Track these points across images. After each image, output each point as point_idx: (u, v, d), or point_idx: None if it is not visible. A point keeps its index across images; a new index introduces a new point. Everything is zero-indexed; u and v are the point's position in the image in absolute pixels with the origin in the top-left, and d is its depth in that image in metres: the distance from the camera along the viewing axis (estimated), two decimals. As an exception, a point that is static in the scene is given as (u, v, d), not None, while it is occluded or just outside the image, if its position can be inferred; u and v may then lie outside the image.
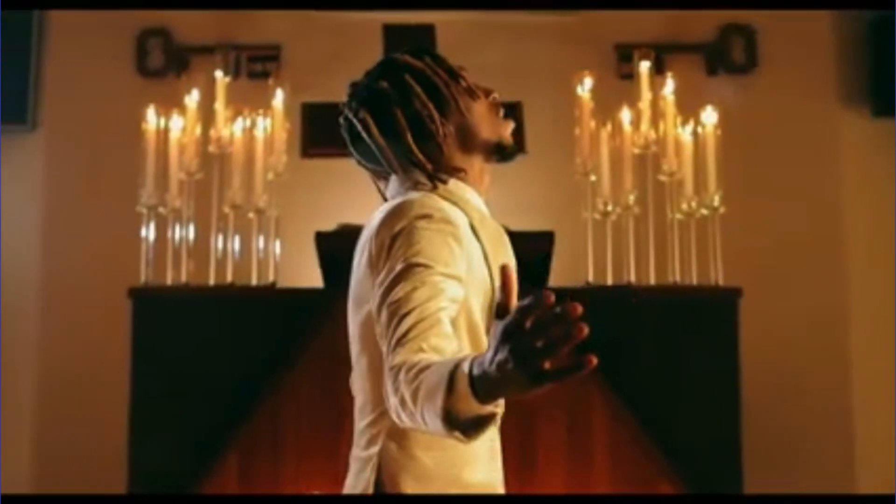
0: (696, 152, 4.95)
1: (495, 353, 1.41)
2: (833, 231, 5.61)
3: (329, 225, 4.50)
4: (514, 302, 1.43)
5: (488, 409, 1.51)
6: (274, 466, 4.18)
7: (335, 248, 4.02)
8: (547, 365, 1.37)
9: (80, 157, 5.67)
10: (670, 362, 4.58)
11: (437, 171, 1.96)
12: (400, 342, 1.66)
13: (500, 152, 2.04)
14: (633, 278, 4.87)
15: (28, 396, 5.50)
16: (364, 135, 1.99)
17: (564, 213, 5.07)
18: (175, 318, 4.71)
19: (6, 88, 5.69)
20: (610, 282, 4.86)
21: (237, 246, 5.00)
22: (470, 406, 1.49)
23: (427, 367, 1.58)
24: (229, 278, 4.93)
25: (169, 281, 4.89)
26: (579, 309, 1.33)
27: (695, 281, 4.87)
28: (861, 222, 5.65)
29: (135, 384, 4.63)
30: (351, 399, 1.97)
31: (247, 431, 4.32)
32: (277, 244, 5.03)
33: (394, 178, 2.00)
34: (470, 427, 1.52)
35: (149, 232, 4.94)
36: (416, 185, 1.95)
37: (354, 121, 2.00)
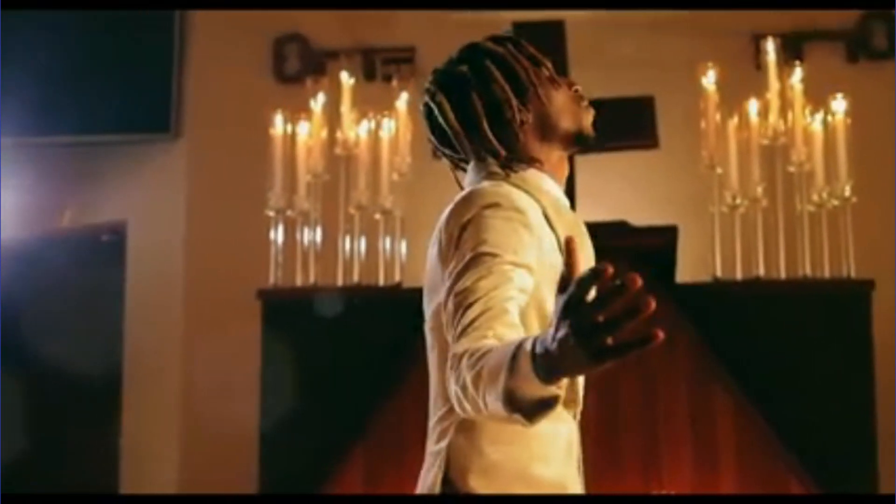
0: (827, 141, 4.84)
1: (556, 330, 1.36)
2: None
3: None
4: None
5: (551, 390, 1.45)
6: (399, 466, 4.21)
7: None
8: (609, 341, 1.30)
9: (219, 163, 5.79)
10: (800, 358, 4.49)
11: (512, 159, 1.92)
12: (464, 331, 1.63)
13: (581, 142, 1.99)
14: (762, 272, 4.78)
15: (175, 395, 5.66)
16: (440, 119, 1.95)
17: (693, 207, 5.02)
18: (303, 319, 4.78)
19: (149, 98, 5.86)
20: (739, 276, 4.78)
21: (363, 247, 5.06)
22: (532, 387, 1.44)
23: (489, 350, 1.54)
24: (356, 279, 4.99)
25: (298, 282, 4.98)
26: (639, 281, 1.26)
27: (826, 274, 4.76)
28: None
29: (264, 383, 4.73)
30: None
31: (373, 431, 4.37)
32: (403, 244, 5.07)
33: (470, 167, 1.97)
34: (532, 410, 1.47)
35: (277, 234, 5.04)
36: (490, 175, 1.91)
37: (432, 105, 1.97)
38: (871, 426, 4.48)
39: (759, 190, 4.84)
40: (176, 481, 5.47)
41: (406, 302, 4.72)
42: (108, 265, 5.86)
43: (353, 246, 5.05)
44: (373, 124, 5.11)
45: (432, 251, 1.86)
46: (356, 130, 5.12)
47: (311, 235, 5.07)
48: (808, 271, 4.78)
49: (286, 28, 5.90)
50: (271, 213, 5.04)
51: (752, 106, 4.89)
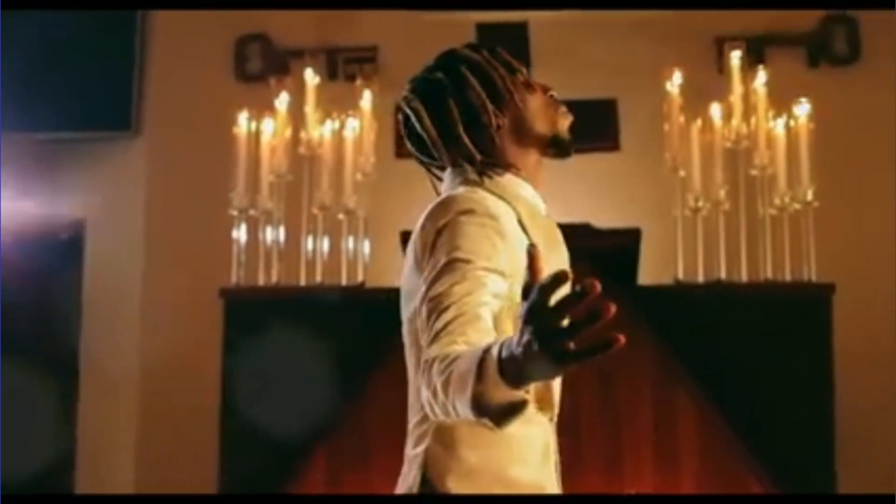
0: (789, 146, 4.87)
1: (521, 335, 1.38)
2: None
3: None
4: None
5: (519, 394, 1.47)
6: (362, 467, 4.20)
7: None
8: (571, 345, 1.32)
9: (180, 162, 5.76)
10: (762, 360, 4.52)
11: (488, 165, 1.93)
12: (436, 336, 1.65)
13: (557, 146, 2.00)
14: (723, 275, 4.81)
15: (132, 394, 5.61)
16: (417, 125, 1.97)
17: (655, 210, 5.03)
18: (266, 319, 4.76)
19: (110, 95, 5.81)
20: (701, 279, 4.80)
21: (326, 246, 5.05)
22: (500, 391, 1.46)
23: (458, 356, 1.56)
24: (319, 278, 4.98)
25: (260, 282, 4.96)
26: (598, 287, 1.27)
27: (788, 278, 4.79)
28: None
29: (226, 384, 4.70)
30: None
31: (335, 431, 4.35)
32: (366, 244, 5.07)
33: (447, 174, 1.97)
34: (500, 414, 1.49)
35: (240, 233, 5.01)
36: (466, 181, 1.92)
37: (408, 111, 1.98)
38: (831, 428, 4.51)
39: (722, 193, 4.86)
40: (133, 481, 5.43)
41: (369, 302, 4.77)
42: (67, 263, 5.81)
43: (316, 246, 5.04)
44: (337, 124, 5.10)
45: (409, 256, 1.87)
46: (320, 130, 5.10)
47: (274, 235, 5.05)
48: (770, 275, 4.81)
49: (248, 27, 5.87)
50: (234, 213, 5.02)
51: (716, 109, 4.92)
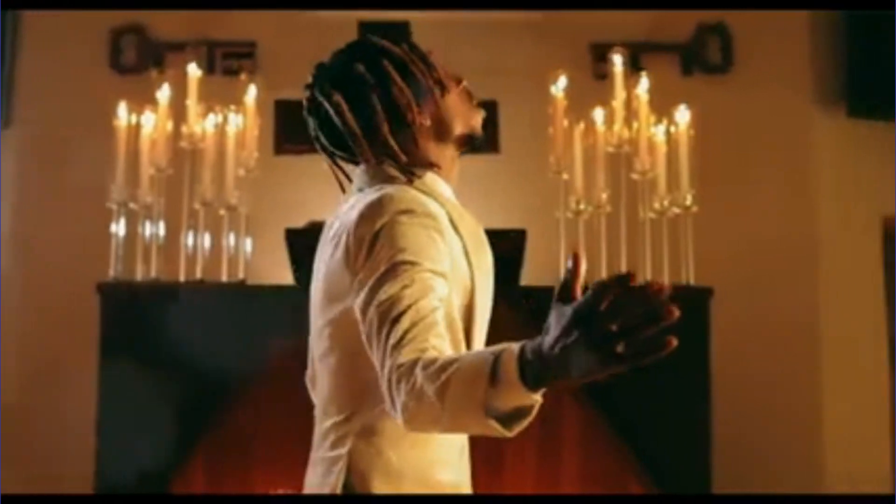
0: (669, 151, 4.95)
1: (559, 337, 1.35)
2: (806, 231, 5.62)
3: (300, 222, 4.48)
4: (579, 288, 1.39)
5: (533, 398, 1.45)
6: (242, 467, 4.15)
7: (305, 245, 3.96)
8: (620, 348, 1.29)
9: (52, 154, 5.63)
10: (641, 362, 4.58)
11: (411, 163, 1.88)
12: (400, 343, 1.59)
13: (471, 144, 1.98)
14: (604, 277, 4.86)
15: (6, 391, 5.44)
16: (336, 119, 1.89)
17: (538, 212, 5.07)
18: (144, 315, 4.68)
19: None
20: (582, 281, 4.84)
21: (207, 242, 4.97)
22: (516, 394, 1.43)
23: (454, 360, 1.52)
24: (199, 275, 4.90)
25: (139, 277, 4.87)
26: (666, 290, 1.26)
27: (666, 280, 4.87)
28: (834, 223, 5.66)
29: (102, 381, 4.60)
30: None
31: (214, 431, 4.29)
32: (248, 241, 5.01)
33: (361, 170, 1.92)
34: (509, 419, 1.47)
35: (119, 227, 4.91)
36: (389, 179, 1.86)
37: (327, 104, 1.90)
38: (707, 429, 4.59)
39: (604, 196, 4.92)
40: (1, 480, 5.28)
41: (249, 299, 4.71)
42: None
43: (197, 241, 4.96)
44: (220, 118, 5.03)
45: (333, 254, 1.79)
46: (202, 124, 5.02)
47: (154, 229, 4.96)
48: (649, 277, 4.88)
49: (123, 20, 5.76)
50: (113, 206, 4.92)
51: (598, 114, 4.98)
